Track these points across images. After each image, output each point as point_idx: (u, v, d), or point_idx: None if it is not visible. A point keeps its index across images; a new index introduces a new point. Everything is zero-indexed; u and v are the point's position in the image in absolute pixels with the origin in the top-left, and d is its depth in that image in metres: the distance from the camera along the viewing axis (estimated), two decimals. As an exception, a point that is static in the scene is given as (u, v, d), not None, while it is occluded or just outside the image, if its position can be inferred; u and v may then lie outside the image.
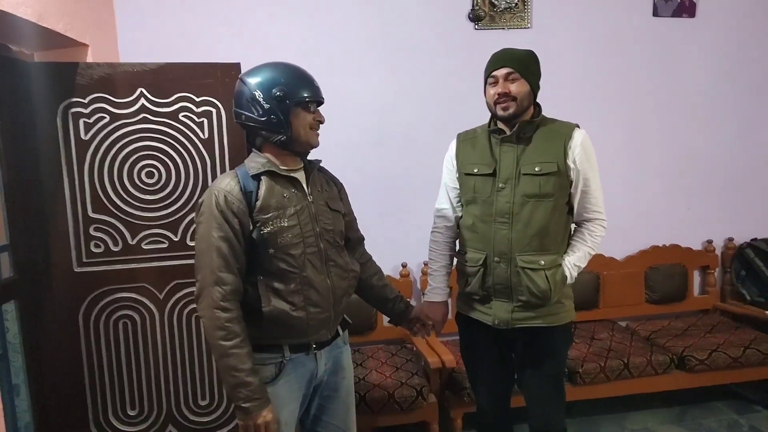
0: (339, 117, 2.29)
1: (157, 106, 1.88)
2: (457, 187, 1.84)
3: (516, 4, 2.86)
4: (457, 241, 1.89)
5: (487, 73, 1.71)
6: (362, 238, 1.75)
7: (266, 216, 1.40)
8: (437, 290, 1.90)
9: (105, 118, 1.85)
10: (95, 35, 2.17)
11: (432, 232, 1.92)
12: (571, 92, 2.91)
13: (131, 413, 1.97)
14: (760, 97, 3.18)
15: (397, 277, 2.84)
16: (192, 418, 2.02)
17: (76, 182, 1.85)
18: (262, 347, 1.44)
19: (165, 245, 1.93)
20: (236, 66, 1.91)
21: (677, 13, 3.02)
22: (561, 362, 1.83)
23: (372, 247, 1.80)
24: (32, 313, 1.85)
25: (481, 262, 1.73)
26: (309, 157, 1.55)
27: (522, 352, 1.79)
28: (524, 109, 1.68)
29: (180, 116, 1.90)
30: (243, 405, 1.35)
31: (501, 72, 1.66)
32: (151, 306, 1.94)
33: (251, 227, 1.40)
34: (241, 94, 1.44)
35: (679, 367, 2.66)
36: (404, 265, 2.84)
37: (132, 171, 1.88)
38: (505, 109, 1.67)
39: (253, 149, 1.50)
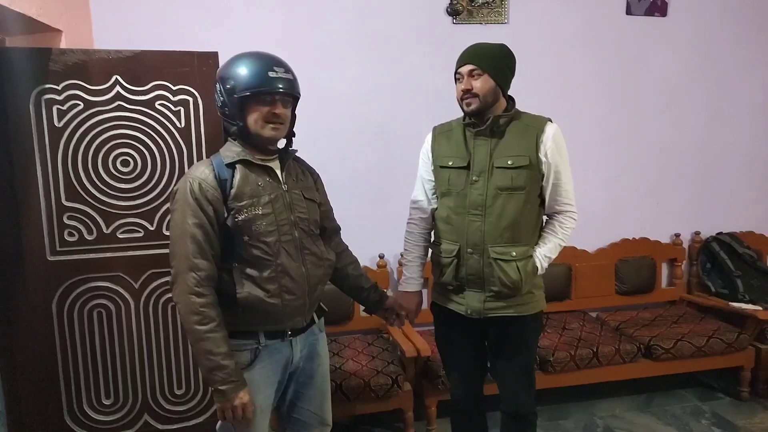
0: (316, 108, 2.30)
1: (133, 94, 1.87)
2: (432, 179, 1.87)
3: (494, -1, 2.90)
4: (432, 232, 1.93)
5: (455, 70, 1.75)
6: (338, 228, 1.77)
7: (240, 204, 1.42)
8: (411, 280, 1.93)
9: (79, 105, 1.83)
10: (69, 21, 2.13)
11: (407, 223, 1.95)
12: (546, 86, 2.97)
13: (106, 402, 1.96)
14: (726, 95, 3.28)
15: (375, 267, 2.87)
16: (168, 407, 2.02)
17: (50, 170, 1.83)
18: (238, 333, 1.46)
19: (141, 234, 1.93)
20: (213, 55, 1.91)
21: (650, 11, 3.10)
22: (531, 350, 1.88)
23: (349, 237, 1.83)
24: (4, 302, 1.83)
25: (454, 253, 1.77)
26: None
27: (494, 340, 1.84)
28: (488, 105, 1.71)
29: (156, 104, 1.89)
30: (220, 387, 1.37)
31: (465, 69, 1.70)
32: (126, 295, 1.94)
33: (226, 214, 1.42)
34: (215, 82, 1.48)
35: (645, 356, 2.74)
36: (381, 256, 2.88)
37: (107, 159, 1.87)
38: (468, 105, 1.71)
39: (228, 138, 1.52)
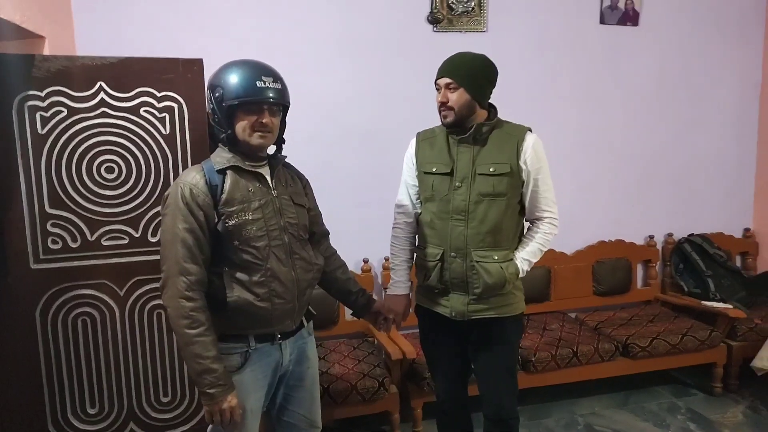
0: (299, 113, 2.31)
1: (117, 101, 1.86)
2: (417, 184, 1.91)
3: (473, 8, 2.97)
4: (417, 237, 1.96)
5: (435, 80, 1.79)
6: (327, 233, 1.80)
7: (231, 209, 1.44)
8: (399, 284, 1.96)
9: (63, 111, 1.81)
10: (52, 27, 2.12)
11: (393, 227, 1.98)
12: (523, 93, 3.04)
13: (91, 412, 1.94)
14: (695, 101, 3.41)
15: (359, 272, 2.90)
16: (154, 415, 2.00)
17: (33, 177, 1.81)
18: (228, 337, 1.47)
19: (125, 241, 1.92)
20: (198, 61, 1.91)
21: (622, 21, 3.21)
22: (513, 351, 1.93)
23: (333, 241, 1.85)
24: (-14, 310, 1.80)
25: (438, 256, 1.81)
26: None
27: (477, 342, 1.87)
28: (464, 117, 1.75)
29: (141, 111, 1.88)
30: (208, 391, 1.39)
31: (442, 81, 1.75)
32: (111, 303, 1.92)
33: (216, 219, 1.43)
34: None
35: (623, 355, 2.82)
36: (366, 261, 2.90)
37: (91, 166, 1.86)
38: (444, 117, 1.77)
39: (219, 144, 1.53)
